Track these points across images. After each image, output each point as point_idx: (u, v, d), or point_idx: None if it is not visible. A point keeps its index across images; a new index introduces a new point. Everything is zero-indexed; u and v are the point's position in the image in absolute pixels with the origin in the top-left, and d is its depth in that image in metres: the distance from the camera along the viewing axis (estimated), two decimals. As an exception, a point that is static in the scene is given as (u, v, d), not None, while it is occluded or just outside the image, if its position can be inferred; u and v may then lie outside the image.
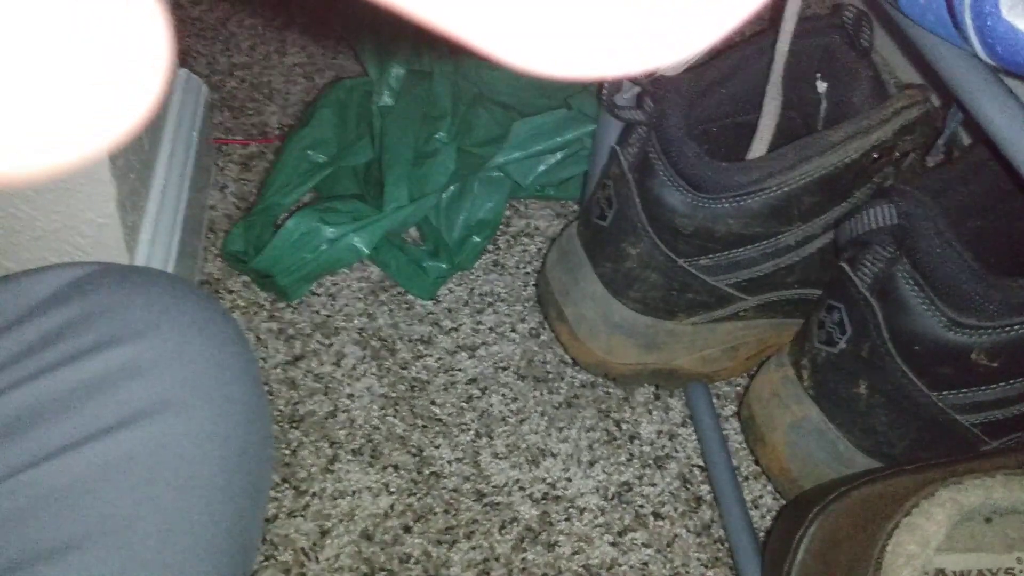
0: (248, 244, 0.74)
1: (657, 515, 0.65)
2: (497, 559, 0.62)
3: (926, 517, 0.45)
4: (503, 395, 0.71)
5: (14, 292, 0.38)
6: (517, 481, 0.66)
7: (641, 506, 0.65)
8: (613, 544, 0.63)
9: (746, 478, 0.67)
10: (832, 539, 0.49)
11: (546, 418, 0.69)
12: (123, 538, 0.34)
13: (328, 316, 0.74)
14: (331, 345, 0.72)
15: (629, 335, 0.63)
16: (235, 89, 0.92)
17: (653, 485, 0.66)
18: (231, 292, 0.75)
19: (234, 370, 0.39)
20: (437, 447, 0.67)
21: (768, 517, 0.65)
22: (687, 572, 0.62)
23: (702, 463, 0.67)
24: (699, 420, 0.68)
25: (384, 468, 0.66)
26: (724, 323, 0.63)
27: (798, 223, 0.57)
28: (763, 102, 0.57)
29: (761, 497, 0.66)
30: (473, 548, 0.62)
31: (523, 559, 0.62)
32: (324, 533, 0.62)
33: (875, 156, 0.55)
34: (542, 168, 0.79)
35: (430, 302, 0.76)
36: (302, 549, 0.61)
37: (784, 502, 0.63)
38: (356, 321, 0.74)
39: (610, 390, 0.71)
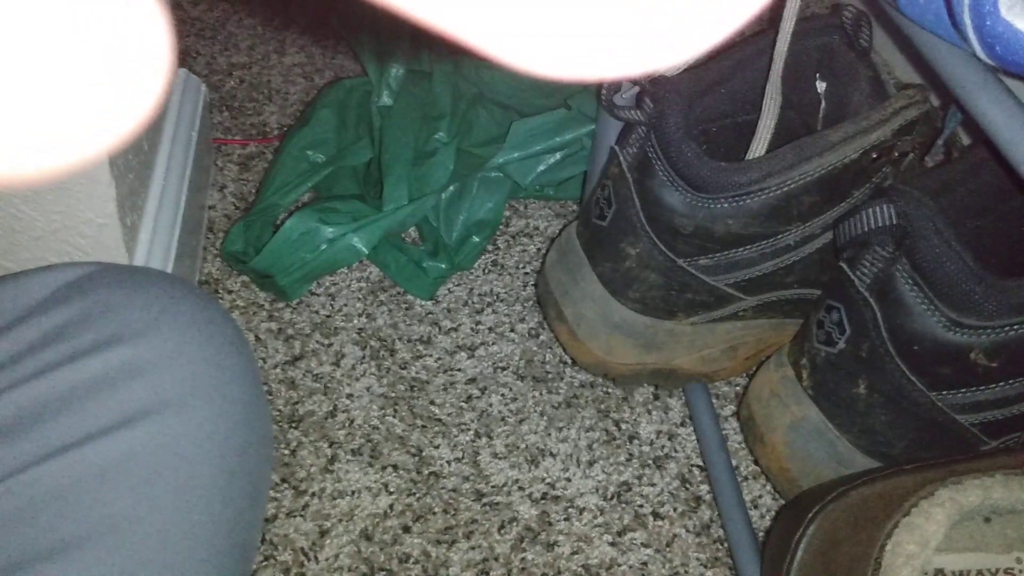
0: (247, 244, 0.74)
1: (656, 515, 0.65)
2: (496, 559, 0.62)
3: (925, 517, 0.45)
4: (502, 395, 0.71)
5: (14, 292, 0.38)
6: (516, 481, 0.66)
7: (640, 506, 0.65)
8: (612, 544, 0.63)
9: (745, 478, 0.67)
10: (831, 539, 0.49)
11: (545, 418, 0.69)
12: (123, 538, 0.34)
13: (327, 316, 0.74)
14: (330, 345, 0.72)
15: (628, 335, 0.63)
16: (234, 89, 0.92)
17: (652, 485, 0.66)
18: (230, 292, 0.75)
19: (233, 370, 0.39)
20: (436, 447, 0.67)
21: (767, 517, 0.65)
22: (686, 572, 0.62)
23: (701, 463, 0.67)
24: (698, 420, 0.68)
25: (383, 468, 0.66)
26: (723, 323, 0.63)
27: (797, 223, 0.57)
28: (762, 102, 0.57)
29: (760, 497, 0.66)
30: (472, 548, 0.62)
31: (522, 559, 0.62)
32: (323, 533, 0.62)
33: (874, 156, 0.55)
34: (541, 168, 0.79)
35: (429, 302, 0.76)
36: (301, 549, 0.61)
37: (783, 502, 0.63)
38: (355, 321, 0.74)
39: (609, 390, 0.71)
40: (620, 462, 0.67)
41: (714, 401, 0.70)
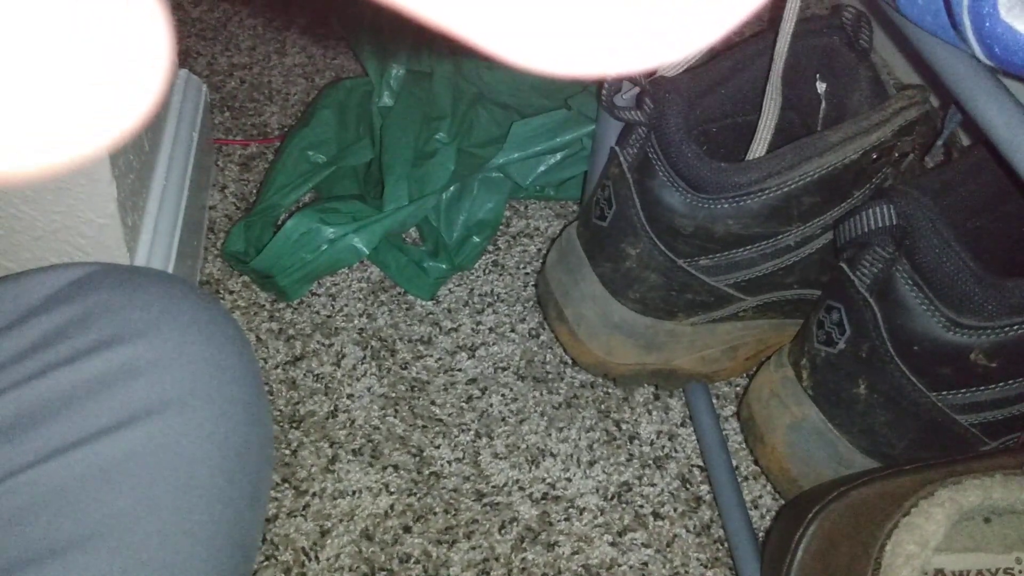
0: (248, 244, 0.74)
1: (657, 515, 0.65)
2: (497, 559, 0.62)
3: (925, 517, 0.45)
4: (503, 395, 0.71)
5: (14, 292, 0.38)
6: (517, 481, 0.66)
7: (641, 506, 0.65)
8: (613, 544, 0.63)
9: (745, 478, 0.67)
10: (831, 539, 0.49)
11: (546, 418, 0.69)
12: (123, 538, 0.34)
13: (328, 316, 0.74)
14: (331, 345, 0.72)
15: (629, 335, 0.63)
16: (235, 90, 0.92)
17: (653, 485, 0.66)
18: (231, 292, 0.75)
19: (234, 370, 0.39)
20: (437, 447, 0.67)
21: (767, 517, 0.65)
22: (686, 572, 0.62)
23: (702, 463, 0.67)
24: (699, 420, 0.68)
25: (384, 468, 0.66)
26: (724, 323, 0.63)
27: (797, 223, 0.57)
28: (762, 103, 0.57)
29: (760, 497, 0.66)
30: (473, 548, 0.62)
31: (523, 559, 0.62)
32: (324, 533, 0.62)
33: (874, 157, 0.55)
34: (542, 168, 0.79)
35: (430, 302, 0.76)
36: (302, 549, 0.61)
37: (783, 502, 0.63)
38: (356, 321, 0.74)
39: (610, 390, 0.71)
40: (620, 462, 0.67)
41: (714, 401, 0.70)
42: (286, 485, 0.64)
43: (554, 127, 0.78)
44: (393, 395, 0.70)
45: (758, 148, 0.57)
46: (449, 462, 0.66)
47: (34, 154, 0.10)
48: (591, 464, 0.67)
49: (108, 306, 0.38)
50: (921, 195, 0.51)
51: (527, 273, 0.79)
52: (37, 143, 0.10)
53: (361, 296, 0.76)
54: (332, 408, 0.69)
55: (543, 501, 0.65)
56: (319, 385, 0.70)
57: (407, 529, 0.63)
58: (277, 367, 0.71)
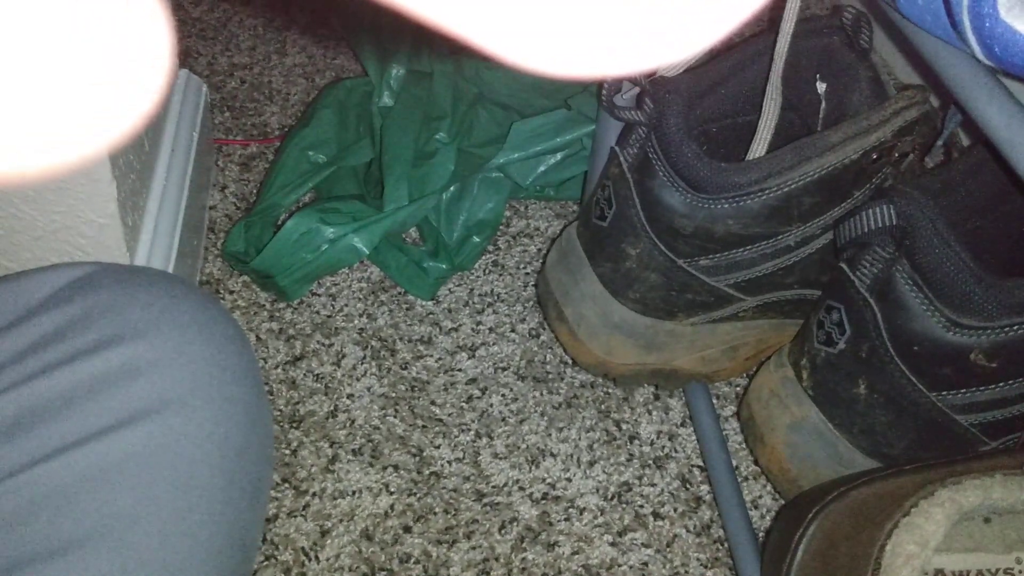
0: (248, 244, 0.74)
1: (657, 515, 0.65)
2: (497, 559, 0.62)
3: (925, 517, 0.45)
4: (503, 395, 0.71)
5: (14, 292, 0.38)
6: (517, 481, 0.66)
7: (641, 506, 0.65)
8: (613, 544, 0.63)
9: (746, 478, 0.67)
10: (831, 539, 0.49)
11: (546, 418, 0.69)
12: (123, 538, 0.34)
13: (328, 316, 0.74)
14: (331, 345, 0.72)
15: (629, 335, 0.63)
16: (235, 90, 0.92)
17: (653, 485, 0.66)
18: (231, 292, 0.75)
19: (234, 370, 0.39)
20: (437, 447, 0.67)
21: (767, 517, 0.65)
22: (687, 572, 0.62)
23: (702, 463, 0.67)
24: (699, 420, 0.68)
25: (384, 468, 0.66)
26: (724, 323, 0.63)
27: (797, 224, 0.57)
28: (762, 103, 0.57)
29: (760, 497, 0.66)
30: (473, 548, 0.62)
31: (523, 559, 0.62)
32: (324, 533, 0.62)
33: (874, 157, 0.55)
34: (542, 169, 0.79)
35: (430, 302, 0.76)
36: (302, 549, 0.61)
37: (783, 502, 0.63)
38: (356, 321, 0.74)
39: (610, 390, 0.71)
40: (620, 462, 0.67)
41: (714, 401, 0.70)
42: (286, 485, 0.64)
43: (554, 127, 0.78)
44: (393, 395, 0.70)
45: (758, 148, 0.57)
46: (449, 462, 0.66)
47: (37, 155, 0.10)
48: (591, 464, 0.67)
49: (108, 306, 0.38)
50: (921, 195, 0.51)
51: (527, 273, 0.79)
52: (39, 144, 0.10)
53: (361, 296, 0.76)
54: (332, 408, 0.69)
55: (543, 501, 0.65)
56: (319, 385, 0.70)
57: (407, 529, 0.63)
58: (277, 367, 0.71)
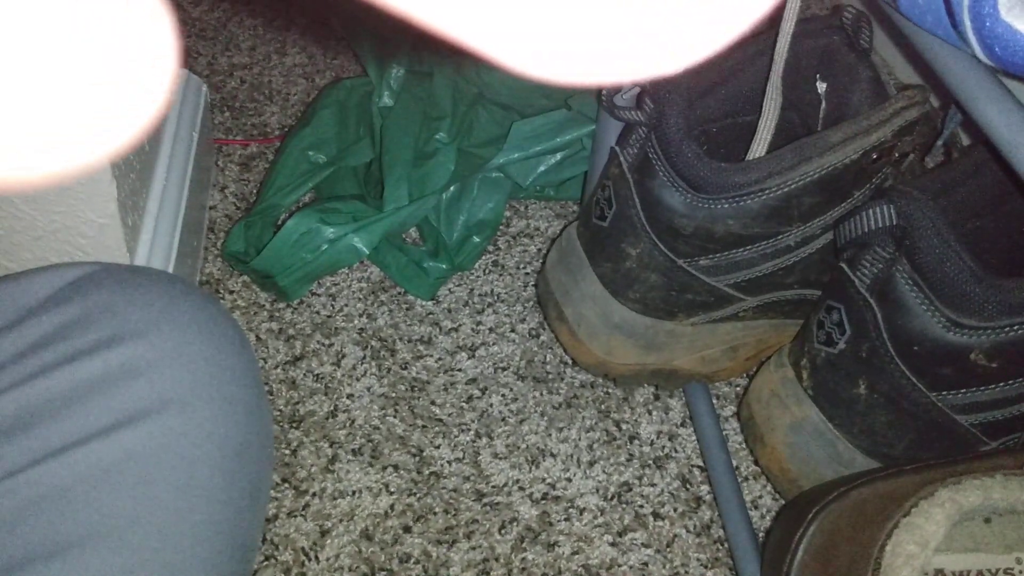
0: (248, 244, 0.74)
1: (657, 515, 0.65)
2: (497, 559, 0.62)
3: (925, 517, 0.45)
4: (503, 395, 0.71)
5: (14, 292, 0.38)
6: (517, 481, 0.66)
7: (641, 506, 0.65)
8: (613, 544, 0.63)
9: (746, 478, 0.67)
10: (831, 539, 0.49)
11: (546, 418, 0.69)
12: (123, 538, 0.34)
13: (328, 316, 0.74)
14: (331, 345, 0.72)
15: (629, 335, 0.63)
16: (235, 90, 0.92)
17: (653, 485, 0.66)
18: (231, 292, 0.75)
19: (234, 370, 0.39)
20: (437, 447, 0.67)
21: (768, 517, 0.65)
22: (687, 572, 0.62)
23: (702, 463, 0.67)
24: (699, 420, 0.68)
25: (384, 468, 0.66)
26: (724, 323, 0.63)
27: (798, 224, 0.57)
28: (763, 103, 0.57)
29: (761, 497, 0.66)
30: (473, 548, 0.62)
31: (523, 559, 0.62)
32: (324, 533, 0.62)
33: (874, 157, 0.55)
34: (542, 169, 0.79)
35: (430, 302, 0.76)
36: (302, 549, 0.61)
37: (783, 502, 0.63)
38: (356, 321, 0.74)
39: (610, 390, 0.71)
40: (620, 462, 0.67)
41: (714, 401, 0.70)
42: (286, 485, 0.64)
43: (554, 127, 0.78)
44: (393, 395, 0.70)
45: (758, 148, 0.57)
46: (449, 462, 0.66)
47: (40, 160, 0.10)
48: (591, 464, 0.67)
49: (108, 306, 0.38)
50: (921, 195, 0.51)
51: (527, 273, 0.79)
52: (43, 149, 0.10)
53: (361, 296, 0.76)
54: (332, 408, 0.69)
55: (543, 501, 0.65)
56: (319, 385, 0.70)
57: (407, 529, 0.63)
58: (277, 367, 0.71)
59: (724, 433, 0.68)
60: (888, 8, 0.44)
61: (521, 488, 0.66)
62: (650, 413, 0.70)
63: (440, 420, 0.69)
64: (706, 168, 0.54)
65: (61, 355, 0.36)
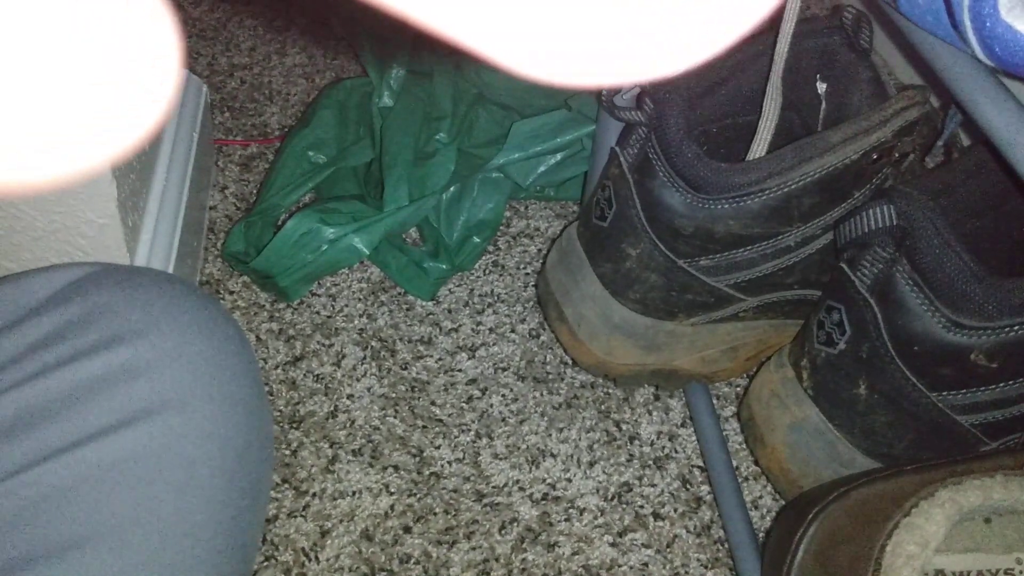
0: (248, 245, 0.74)
1: (657, 516, 0.65)
2: (497, 559, 0.62)
3: (926, 517, 0.45)
4: (503, 396, 0.71)
5: (14, 292, 0.38)
6: (517, 481, 0.66)
7: (641, 507, 0.65)
8: (613, 544, 0.63)
9: (746, 479, 0.67)
10: (832, 539, 0.49)
11: (546, 419, 0.69)
12: (123, 538, 0.34)
13: (328, 317, 0.74)
14: (331, 346, 0.72)
15: (629, 336, 0.63)
16: (235, 90, 0.92)
17: (653, 486, 0.66)
18: (231, 293, 0.75)
19: (234, 370, 0.39)
20: (437, 448, 0.67)
21: (768, 517, 0.65)
22: (687, 572, 0.62)
23: (702, 464, 0.67)
24: (699, 421, 0.68)
25: (384, 468, 0.66)
26: (724, 324, 0.63)
27: (798, 224, 0.57)
28: (762, 103, 0.57)
29: (761, 498, 0.66)
30: (473, 548, 0.62)
31: (523, 559, 0.62)
32: (324, 533, 0.62)
33: (874, 157, 0.55)
34: (542, 169, 0.79)
35: (430, 303, 0.76)
36: (302, 549, 0.61)
37: (784, 502, 0.63)
38: (356, 322, 0.74)
39: (610, 391, 0.71)
40: (621, 463, 0.67)
41: (714, 402, 0.70)
42: (286, 485, 0.64)
43: (554, 127, 0.78)
44: (393, 395, 0.70)
45: (758, 148, 0.57)
46: (449, 462, 0.66)
47: (44, 164, 0.10)
48: (591, 464, 0.67)
49: (108, 306, 0.38)
50: (921, 195, 0.51)
51: (527, 273, 0.79)
52: (46, 153, 0.10)
53: (361, 296, 0.76)
54: (332, 408, 0.69)
55: (543, 502, 0.65)
56: (319, 385, 0.70)
57: (407, 529, 0.63)
58: (277, 367, 0.71)
59: (724, 433, 0.68)
60: (888, 8, 0.44)
61: (521, 488, 0.66)
62: (650, 413, 0.70)
63: (440, 420, 0.69)
64: (706, 168, 0.54)
65: (61, 355, 0.36)
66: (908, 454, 0.55)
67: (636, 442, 0.69)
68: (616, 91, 0.58)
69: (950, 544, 0.46)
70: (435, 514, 0.64)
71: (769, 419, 0.59)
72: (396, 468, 0.66)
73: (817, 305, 0.57)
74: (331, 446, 0.66)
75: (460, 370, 0.72)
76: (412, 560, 0.61)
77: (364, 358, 0.72)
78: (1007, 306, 0.49)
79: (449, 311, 0.76)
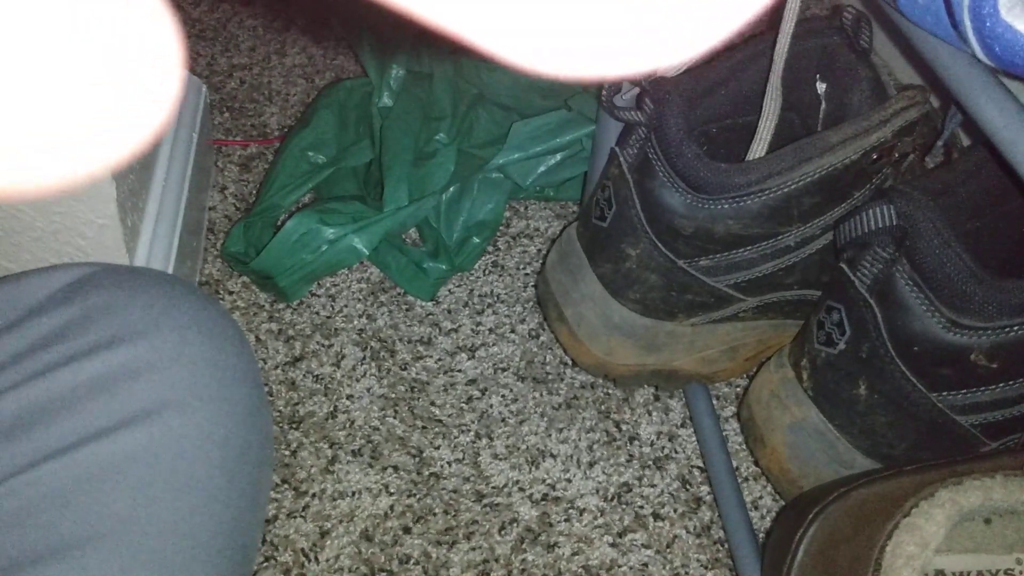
0: (248, 245, 0.74)
1: (657, 516, 0.65)
2: (497, 560, 0.62)
3: (925, 518, 0.45)
4: (503, 396, 0.71)
5: (14, 293, 0.38)
6: (517, 482, 0.66)
7: (641, 507, 0.65)
8: (613, 545, 0.63)
9: (746, 479, 0.67)
10: (831, 540, 0.49)
11: (546, 419, 0.69)
12: (123, 538, 0.34)
13: (328, 317, 0.74)
14: (331, 346, 0.72)
15: (629, 336, 0.63)
16: (235, 90, 0.92)
17: (653, 486, 0.66)
18: (231, 293, 0.75)
19: (234, 371, 0.39)
20: (437, 448, 0.67)
21: (768, 518, 0.65)
22: (687, 573, 0.62)
23: (702, 464, 0.67)
24: (699, 421, 0.68)
25: (384, 469, 0.66)
26: (724, 324, 0.63)
27: (797, 224, 0.57)
28: (762, 103, 0.57)
29: (761, 498, 0.66)
30: (473, 549, 0.62)
31: (523, 560, 0.62)
32: (324, 534, 0.62)
33: (874, 157, 0.55)
34: (542, 169, 0.79)
35: (430, 303, 0.76)
36: (302, 550, 0.61)
37: (784, 503, 0.63)
38: (356, 322, 0.74)
39: (610, 391, 0.71)
40: (620, 463, 0.67)
41: (714, 402, 0.70)
42: (286, 486, 0.64)
43: (554, 128, 0.78)
44: (393, 396, 0.70)
45: (758, 149, 0.57)
46: (449, 463, 0.66)
47: (46, 169, 0.10)
48: (591, 465, 0.67)
49: (108, 307, 0.38)
50: (921, 196, 0.51)
51: (527, 274, 0.79)
52: (48, 157, 0.10)
53: (361, 297, 0.76)
54: (332, 409, 0.69)
55: (543, 502, 0.65)
56: (319, 386, 0.70)
57: (407, 530, 0.63)
58: (277, 368, 0.71)
59: (724, 434, 0.68)
60: (888, 8, 0.44)
61: (521, 489, 0.65)
62: (650, 414, 0.70)
63: (440, 421, 0.69)
64: (706, 169, 0.54)
65: (61, 356, 0.36)
66: (908, 454, 0.55)
67: (636, 442, 0.69)
68: (616, 91, 0.58)
69: (950, 544, 0.46)
70: (435, 514, 0.64)
71: (769, 419, 0.59)
72: (396, 468, 0.66)
73: (817, 305, 0.57)
74: (331, 446, 0.66)
75: (460, 370, 0.72)
76: (412, 560, 0.61)
77: (364, 358, 0.72)
78: (1007, 306, 0.49)
79: (449, 311, 0.76)
